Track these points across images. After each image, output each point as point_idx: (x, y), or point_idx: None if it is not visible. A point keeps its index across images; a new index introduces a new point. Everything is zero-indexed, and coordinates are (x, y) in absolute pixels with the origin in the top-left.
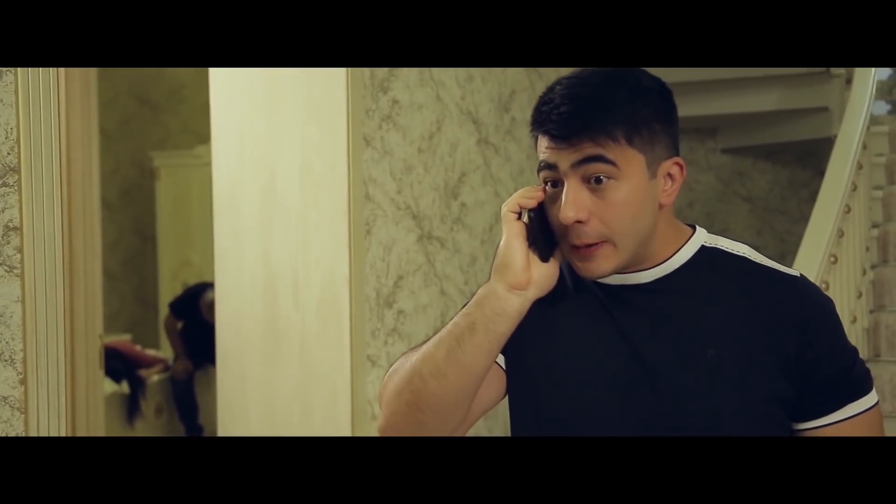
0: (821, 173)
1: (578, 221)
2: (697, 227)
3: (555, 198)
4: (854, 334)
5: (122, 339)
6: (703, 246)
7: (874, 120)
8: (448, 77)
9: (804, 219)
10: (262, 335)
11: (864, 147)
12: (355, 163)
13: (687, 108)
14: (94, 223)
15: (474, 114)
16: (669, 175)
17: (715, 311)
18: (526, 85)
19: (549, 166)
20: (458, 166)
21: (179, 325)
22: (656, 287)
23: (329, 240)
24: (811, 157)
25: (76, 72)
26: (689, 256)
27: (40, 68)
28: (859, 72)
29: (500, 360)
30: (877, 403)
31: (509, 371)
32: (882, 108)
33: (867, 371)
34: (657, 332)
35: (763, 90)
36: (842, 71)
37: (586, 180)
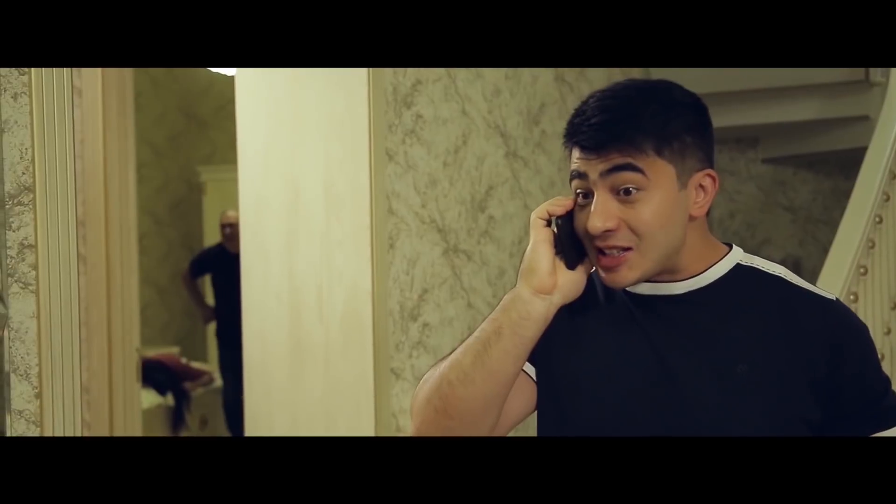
0: None
1: (607, 230)
2: (734, 245)
3: (585, 207)
4: (889, 346)
5: (169, 352)
6: (738, 264)
7: None
8: (474, 91)
9: None
10: (287, 349)
11: None
12: (377, 178)
13: (727, 118)
14: (132, 238)
15: (502, 127)
16: (701, 187)
17: (747, 329)
18: (556, 97)
19: (580, 175)
20: (485, 180)
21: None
22: (689, 299)
23: (352, 254)
24: (854, 167)
25: (113, 91)
26: (723, 272)
27: (55, 91)
28: (893, 80)
29: (531, 370)
30: None
31: (538, 380)
32: None
33: None
34: (686, 344)
35: (803, 99)
36: (882, 79)
37: (615, 191)
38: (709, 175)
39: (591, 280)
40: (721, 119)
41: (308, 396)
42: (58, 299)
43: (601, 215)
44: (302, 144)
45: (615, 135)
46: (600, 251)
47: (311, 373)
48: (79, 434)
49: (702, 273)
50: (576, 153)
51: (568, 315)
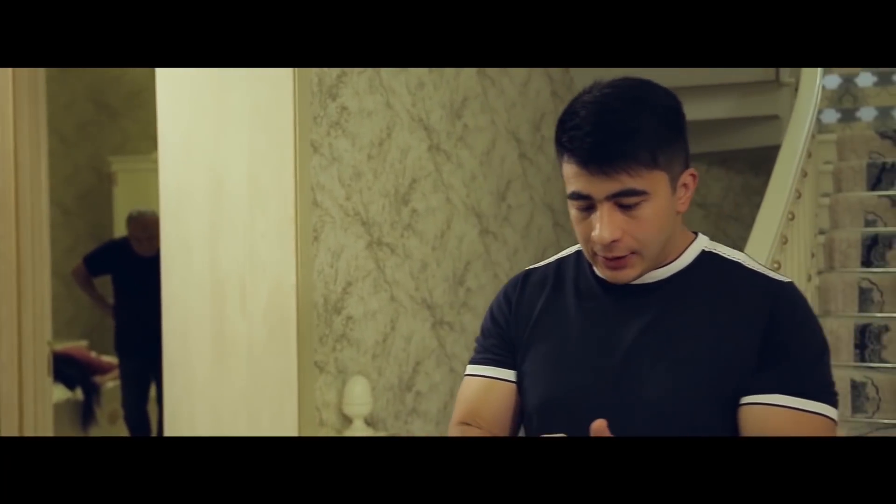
0: None
1: (613, 241)
2: (699, 233)
3: (584, 217)
4: None
5: (77, 346)
6: (703, 251)
7: (824, 128)
8: (398, 84)
9: None
10: (209, 342)
11: (810, 155)
12: (302, 169)
13: None
14: (44, 229)
15: (425, 120)
16: (684, 185)
17: (702, 311)
18: (478, 92)
19: (582, 196)
20: (408, 173)
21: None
22: (656, 287)
23: (276, 247)
24: (764, 165)
25: (24, 78)
26: (690, 260)
27: None
28: (804, 80)
29: (511, 375)
30: (831, 418)
31: (522, 373)
32: (832, 116)
33: (830, 385)
34: (648, 327)
35: (715, 98)
36: (792, 80)
37: (619, 205)
38: (691, 174)
39: (563, 272)
40: None
41: (230, 391)
42: None
43: (608, 228)
44: (225, 135)
45: (618, 154)
46: (605, 257)
47: (233, 367)
48: (14, 429)
49: (671, 262)
50: (574, 168)
51: (547, 301)
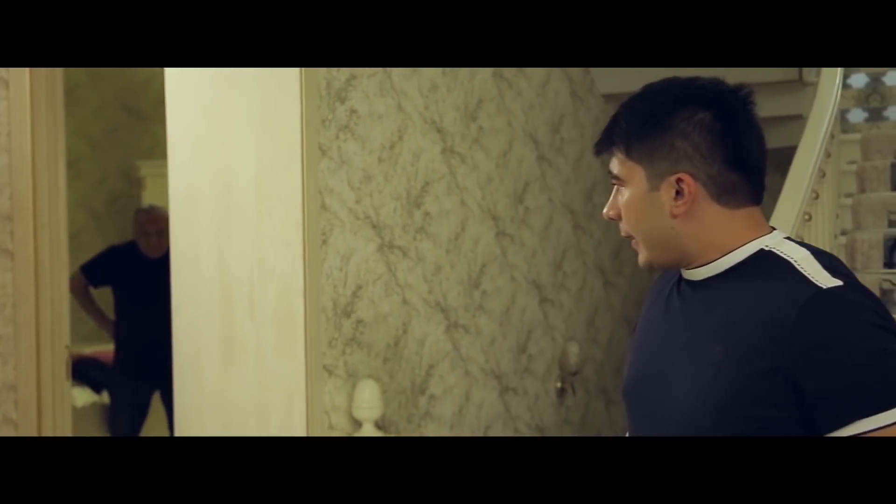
0: None
1: (609, 218)
2: (776, 229)
3: None
4: None
5: (106, 349)
6: (762, 249)
7: (851, 128)
8: (410, 86)
9: None
10: (218, 345)
11: (829, 155)
12: (310, 173)
13: None
14: (62, 234)
15: (439, 123)
16: (677, 190)
17: (737, 312)
18: (494, 94)
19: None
20: (421, 175)
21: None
22: (706, 283)
23: (284, 250)
24: (789, 165)
25: (42, 83)
26: (741, 258)
27: None
28: (824, 79)
29: None
30: None
31: None
32: (859, 115)
33: None
34: (691, 323)
35: None
36: (816, 79)
37: (614, 185)
38: (679, 179)
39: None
40: None
41: (239, 395)
42: None
43: (608, 204)
44: (233, 140)
45: (604, 141)
46: None
47: (242, 371)
48: (8, 432)
49: (716, 260)
50: None
51: (651, 298)
